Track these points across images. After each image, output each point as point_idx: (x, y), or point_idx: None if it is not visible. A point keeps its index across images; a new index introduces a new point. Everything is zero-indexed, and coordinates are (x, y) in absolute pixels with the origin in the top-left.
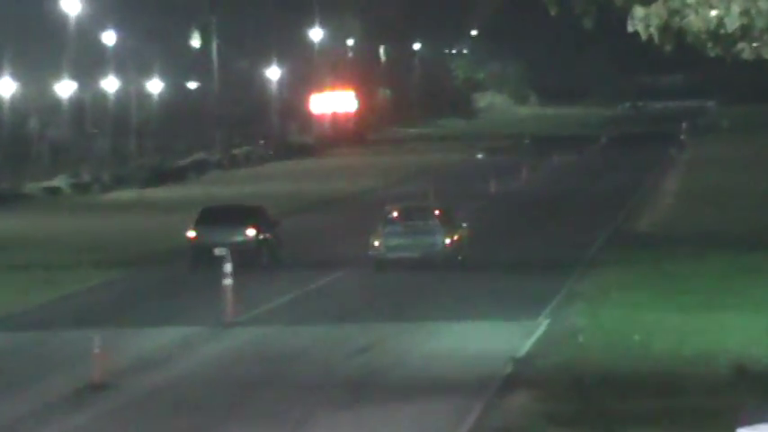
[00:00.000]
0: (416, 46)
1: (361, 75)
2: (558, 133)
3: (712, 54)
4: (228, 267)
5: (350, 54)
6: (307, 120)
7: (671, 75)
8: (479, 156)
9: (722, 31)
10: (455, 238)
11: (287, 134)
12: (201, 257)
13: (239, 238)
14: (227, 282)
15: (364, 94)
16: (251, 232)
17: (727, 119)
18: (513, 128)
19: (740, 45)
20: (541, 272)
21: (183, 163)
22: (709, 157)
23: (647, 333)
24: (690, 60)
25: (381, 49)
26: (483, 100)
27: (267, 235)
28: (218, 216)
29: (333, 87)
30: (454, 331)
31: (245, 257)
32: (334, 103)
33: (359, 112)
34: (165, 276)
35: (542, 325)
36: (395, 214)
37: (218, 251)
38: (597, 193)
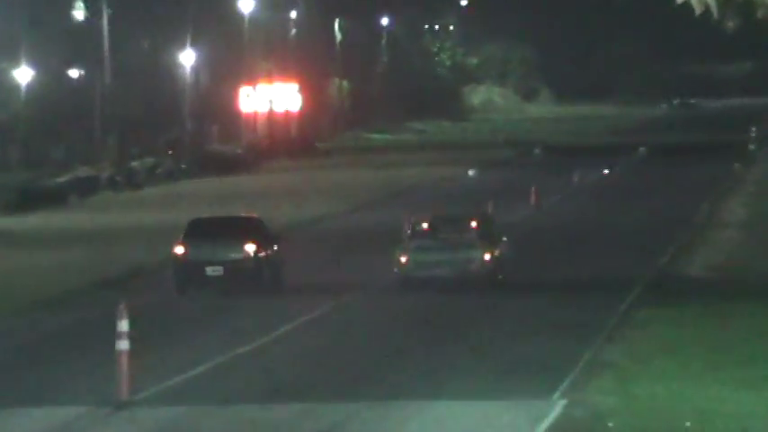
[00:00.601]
0: (384, 20)
1: (308, 60)
2: (581, 142)
3: None
4: (124, 325)
5: (293, 31)
6: (234, 122)
7: (735, 62)
8: (471, 172)
9: None
10: (495, 253)
11: (206, 141)
12: (191, 279)
13: (236, 256)
14: (123, 346)
15: (313, 87)
16: (250, 248)
17: None
18: (519, 134)
19: None
20: (556, 332)
21: (61, 180)
22: None
23: (702, 418)
24: (760, 43)
25: (336, 25)
26: (477, 95)
27: (268, 252)
28: (211, 229)
29: (270, 78)
30: (440, 412)
31: (243, 279)
32: (271, 99)
33: (305, 111)
34: (37, 337)
35: (557, 406)
36: (424, 225)
37: (211, 270)
38: (634, 225)
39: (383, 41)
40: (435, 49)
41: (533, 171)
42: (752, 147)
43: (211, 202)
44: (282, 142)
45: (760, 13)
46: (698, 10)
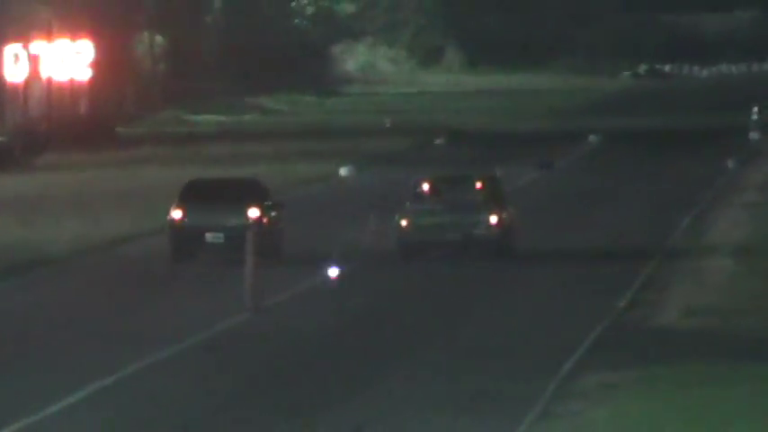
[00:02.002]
0: None
1: (105, 5)
2: (505, 127)
3: None
4: None
5: None
6: None
7: (731, 11)
8: (344, 171)
9: None
10: (503, 216)
11: None
12: (189, 246)
13: (238, 221)
14: None
15: (112, 45)
16: (254, 213)
17: None
18: (414, 115)
19: None
20: (471, 408)
21: None
22: None
23: None
24: None
25: None
26: (353, 58)
27: (269, 218)
28: (211, 192)
29: (49, 33)
30: None
31: (243, 246)
32: (51, 62)
33: (101, 80)
34: None
35: None
36: (425, 187)
37: (211, 237)
38: (581, 250)
39: None
40: None
41: (434, 169)
42: (754, 136)
43: None
44: (67, 126)
45: None
46: None
